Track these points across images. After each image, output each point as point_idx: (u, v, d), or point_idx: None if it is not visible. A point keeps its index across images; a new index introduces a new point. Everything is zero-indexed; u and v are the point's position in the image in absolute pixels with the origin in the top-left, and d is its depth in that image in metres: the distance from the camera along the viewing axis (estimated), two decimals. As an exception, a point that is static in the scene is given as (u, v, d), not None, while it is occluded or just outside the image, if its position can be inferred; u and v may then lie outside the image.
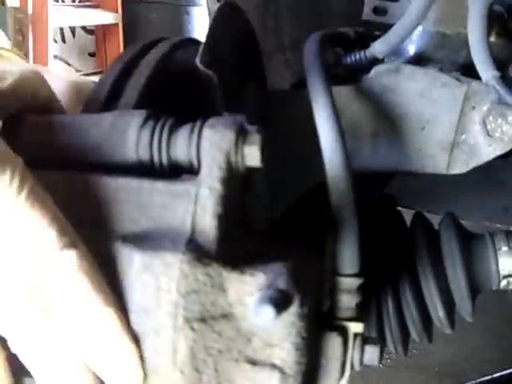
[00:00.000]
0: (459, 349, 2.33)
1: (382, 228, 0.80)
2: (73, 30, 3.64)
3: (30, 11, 2.99)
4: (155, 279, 0.48)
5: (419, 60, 0.80)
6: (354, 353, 0.55)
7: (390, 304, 0.80)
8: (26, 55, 2.97)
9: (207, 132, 0.50)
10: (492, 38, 0.75)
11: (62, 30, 3.54)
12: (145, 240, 0.49)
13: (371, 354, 0.56)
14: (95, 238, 0.49)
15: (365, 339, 0.56)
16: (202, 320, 0.48)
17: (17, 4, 2.97)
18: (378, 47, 0.78)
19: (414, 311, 0.80)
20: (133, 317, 0.49)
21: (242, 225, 0.52)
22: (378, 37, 0.77)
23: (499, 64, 0.71)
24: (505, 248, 0.77)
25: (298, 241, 0.55)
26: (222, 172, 0.49)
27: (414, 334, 0.83)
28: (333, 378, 0.55)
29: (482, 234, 0.81)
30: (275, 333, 0.49)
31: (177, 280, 0.47)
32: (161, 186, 0.50)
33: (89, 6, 3.53)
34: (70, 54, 3.60)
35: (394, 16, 0.82)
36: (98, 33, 3.66)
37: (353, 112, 0.78)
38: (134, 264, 0.48)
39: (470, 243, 0.80)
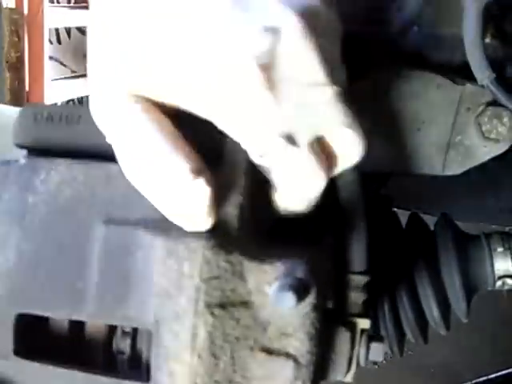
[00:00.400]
0: (454, 350, 2.33)
1: (377, 229, 0.80)
2: (68, 30, 3.63)
3: (25, 12, 2.98)
4: (178, 264, 0.49)
5: (414, 61, 0.80)
6: (360, 349, 0.57)
7: (386, 305, 0.80)
8: (22, 56, 2.96)
9: None
10: (487, 39, 0.75)
11: (57, 30, 3.53)
12: (169, 226, 0.50)
13: (376, 350, 0.58)
14: (115, 223, 0.51)
15: (370, 336, 0.57)
16: (222, 306, 0.49)
17: (12, 5, 2.96)
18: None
19: (410, 312, 0.80)
20: (155, 301, 0.50)
21: (257, 220, 0.54)
22: (377, 37, 0.77)
23: (494, 65, 0.71)
24: (500, 249, 0.78)
25: (302, 237, 0.55)
26: (245, 160, 0.51)
27: (409, 335, 0.83)
28: (340, 373, 0.57)
29: (477, 235, 0.81)
30: (290, 322, 0.50)
31: (199, 265, 0.49)
32: None
33: (84, 7, 3.52)
34: (65, 55, 3.59)
35: (390, 15, 0.81)
36: (94, 34, 3.65)
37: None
38: (158, 249, 0.50)
39: (465, 244, 0.80)
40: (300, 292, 0.48)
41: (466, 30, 0.72)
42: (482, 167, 0.77)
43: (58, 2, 3.47)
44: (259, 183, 0.53)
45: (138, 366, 0.56)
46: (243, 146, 0.51)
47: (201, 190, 0.48)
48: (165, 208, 0.49)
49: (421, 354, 2.22)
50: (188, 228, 0.50)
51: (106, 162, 0.53)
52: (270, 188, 0.53)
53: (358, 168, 0.58)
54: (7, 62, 2.94)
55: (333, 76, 0.50)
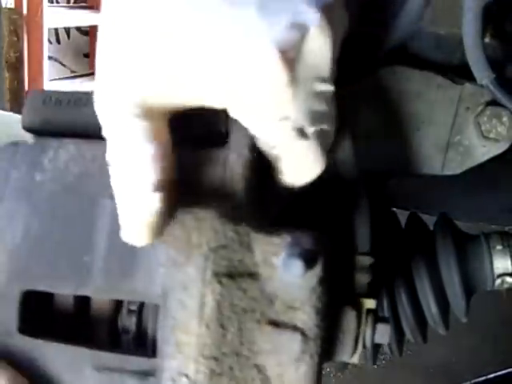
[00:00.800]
0: (453, 350, 2.33)
1: (377, 229, 0.80)
2: (67, 30, 3.63)
3: (24, 12, 2.98)
4: (187, 234, 0.50)
5: (414, 61, 0.80)
6: (366, 329, 0.57)
7: (385, 304, 0.80)
8: (21, 56, 2.96)
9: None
10: (487, 39, 0.75)
11: (56, 30, 3.53)
12: None
13: (382, 331, 0.58)
14: None
15: (376, 317, 0.57)
16: (230, 276, 0.49)
17: (11, 5, 2.96)
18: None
19: (409, 312, 0.80)
20: (162, 272, 0.51)
21: (263, 199, 0.55)
22: (376, 36, 0.77)
23: (494, 65, 0.71)
24: (499, 247, 0.78)
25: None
26: (250, 139, 0.52)
27: (408, 335, 0.83)
28: (346, 352, 0.57)
29: (476, 234, 0.81)
30: (297, 296, 0.50)
31: (207, 235, 0.49)
32: (187, 152, 0.53)
33: (83, 7, 3.52)
34: (64, 55, 3.60)
35: (390, 14, 0.82)
36: (93, 34, 3.65)
37: (348, 112, 0.78)
38: (155, 205, 0.50)
39: (464, 244, 0.80)
40: (308, 261, 0.48)
41: (466, 29, 0.72)
42: (482, 167, 0.77)
43: (58, 2, 3.48)
44: (263, 163, 0.54)
45: (144, 343, 0.56)
46: (256, 138, 0.52)
47: (152, 204, 0.49)
48: (119, 205, 0.50)
49: (420, 354, 2.22)
50: (124, 234, 0.50)
51: None
52: (274, 169, 0.55)
53: (354, 148, 0.60)
54: (6, 61, 2.94)
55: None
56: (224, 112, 0.51)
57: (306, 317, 0.50)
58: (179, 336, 0.50)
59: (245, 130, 0.52)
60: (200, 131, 0.54)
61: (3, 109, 2.69)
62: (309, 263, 0.48)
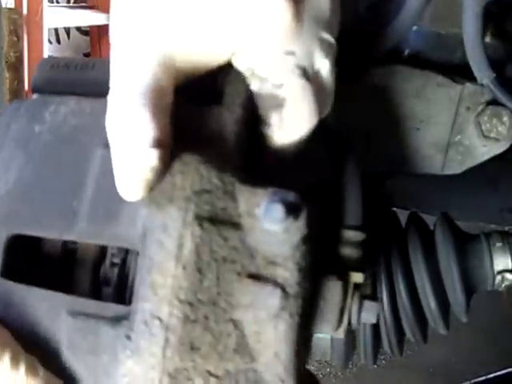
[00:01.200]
0: (453, 349, 2.33)
1: (377, 228, 0.80)
2: (67, 30, 3.63)
3: (24, 12, 2.98)
4: (171, 176, 0.49)
5: (414, 60, 0.80)
6: (352, 303, 0.56)
7: (385, 304, 0.80)
8: (21, 56, 2.96)
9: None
10: (487, 39, 0.75)
11: (56, 30, 3.53)
12: None
13: (369, 309, 0.57)
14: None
15: (363, 294, 0.57)
16: (211, 220, 0.49)
17: (11, 5, 2.96)
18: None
19: (409, 312, 0.80)
20: (143, 212, 0.50)
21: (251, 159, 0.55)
22: (374, 36, 0.77)
23: (495, 64, 0.71)
24: (499, 244, 0.78)
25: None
26: (243, 98, 0.53)
27: (409, 335, 0.83)
28: (330, 323, 0.55)
29: (477, 234, 0.81)
30: (280, 252, 0.49)
31: (191, 178, 0.49)
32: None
33: (83, 7, 3.52)
34: (64, 55, 3.59)
35: (389, 14, 0.82)
36: (93, 34, 3.65)
37: (348, 112, 0.78)
38: (152, 161, 0.50)
39: (464, 243, 0.80)
40: (290, 209, 0.46)
41: (466, 29, 0.72)
42: (482, 167, 0.77)
43: (58, 2, 3.47)
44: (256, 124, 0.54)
45: (124, 296, 0.55)
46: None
47: (149, 160, 0.49)
48: (115, 160, 0.50)
49: (420, 354, 2.22)
50: (119, 188, 0.51)
51: None
52: (265, 128, 0.55)
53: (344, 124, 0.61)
54: (6, 61, 2.93)
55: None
56: (220, 73, 0.53)
57: (288, 273, 0.49)
58: (155, 277, 0.48)
59: (239, 89, 0.53)
60: (196, 92, 0.54)
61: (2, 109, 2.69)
62: (290, 211, 0.46)
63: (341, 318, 0.55)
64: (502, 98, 0.72)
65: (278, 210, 0.46)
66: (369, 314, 0.57)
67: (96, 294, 0.56)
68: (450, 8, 0.77)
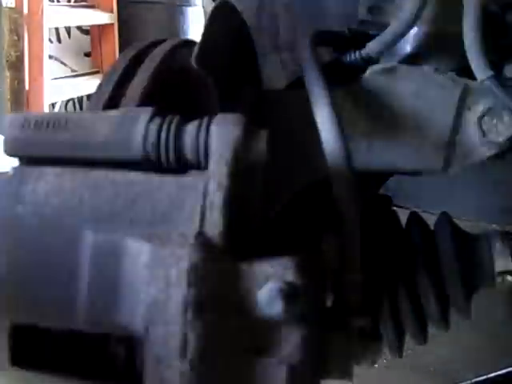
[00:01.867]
0: (454, 349, 2.33)
1: (377, 228, 0.80)
2: (68, 30, 3.63)
3: (25, 11, 2.98)
4: (165, 272, 0.49)
5: (415, 60, 0.80)
6: (357, 347, 0.57)
7: (386, 304, 0.80)
8: (22, 55, 2.96)
9: (215, 128, 0.51)
10: (487, 39, 0.75)
11: (57, 30, 3.52)
12: (154, 233, 0.50)
13: (374, 349, 0.57)
14: (103, 231, 0.51)
15: (367, 335, 0.57)
16: (212, 312, 0.49)
17: (12, 4, 2.96)
18: (372, 47, 0.78)
19: (410, 311, 0.80)
20: (143, 310, 0.49)
21: (245, 220, 0.53)
22: (374, 37, 0.77)
23: (495, 64, 0.71)
24: (499, 245, 0.78)
25: (294, 239, 0.55)
26: (230, 168, 0.51)
27: (409, 334, 0.83)
28: (338, 373, 0.56)
29: (477, 233, 0.81)
30: (283, 326, 0.49)
31: (187, 273, 0.48)
32: (170, 179, 0.51)
33: (84, 6, 3.52)
34: (65, 54, 3.59)
35: (390, 15, 0.82)
36: (94, 33, 3.65)
37: (348, 112, 0.78)
38: (144, 257, 0.49)
39: (465, 243, 0.80)
40: (289, 297, 0.47)
41: (467, 29, 0.72)
42: (482, 166, 0.77)
43: (58, 1, 3.47)
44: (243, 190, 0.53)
45: (133, 372, 0.55)
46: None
47: None
48: None
49: (421, 353, 2.22)
50: None
51: (93, 169, 0.53)
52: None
53: (352, 166, 0.59)
54: (7, 61, 2.93)
55: None
56: (203, 137, 0.52)
57: (293, 347, 0.50)
58: (163, 370, 0.49)
59: (226, 157, 0.51)
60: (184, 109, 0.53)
61: (3, 108, 2.70)
62: (289, 299, 0.47)
63: (347, 364, 0.56)
64: (502, 97, 0.72)
65: (278, 303, 0.47)
66: (374, 353, 0.59)
67: (105, 370, 0.56)
68: (451, 8, 0.77)
